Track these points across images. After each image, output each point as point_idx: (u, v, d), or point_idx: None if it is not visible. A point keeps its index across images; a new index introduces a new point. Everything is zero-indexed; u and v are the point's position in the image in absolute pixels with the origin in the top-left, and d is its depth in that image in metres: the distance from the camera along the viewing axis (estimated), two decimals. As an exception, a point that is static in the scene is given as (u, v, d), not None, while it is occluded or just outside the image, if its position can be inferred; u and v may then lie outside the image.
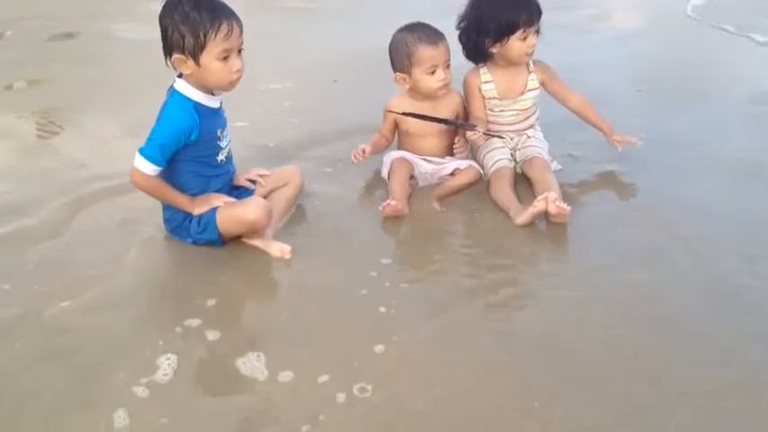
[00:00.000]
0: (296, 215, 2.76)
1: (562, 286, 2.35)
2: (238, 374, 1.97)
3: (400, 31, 2.89)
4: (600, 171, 3.05)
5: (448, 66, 2.86)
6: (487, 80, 2.99)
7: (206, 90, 2.44)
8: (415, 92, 2.92)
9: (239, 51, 2.39)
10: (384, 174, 2.98)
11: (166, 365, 1.99)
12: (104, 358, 2.04)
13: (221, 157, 2.57)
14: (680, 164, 3.10)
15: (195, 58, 2.33)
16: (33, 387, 1.94)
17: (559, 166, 3.02)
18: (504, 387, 1.93)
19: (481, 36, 2.91)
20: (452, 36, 2.93)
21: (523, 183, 2.93)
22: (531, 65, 3.01)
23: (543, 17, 2.89)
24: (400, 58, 2.86)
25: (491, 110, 3.03)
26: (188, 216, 2.52)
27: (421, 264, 2.52)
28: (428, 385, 1.93)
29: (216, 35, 2.30)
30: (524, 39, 2.86)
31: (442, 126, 2.94)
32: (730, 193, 2.88)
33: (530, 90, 3.01)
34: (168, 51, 2.37)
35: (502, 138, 3.01)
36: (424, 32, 2.83)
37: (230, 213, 2.49)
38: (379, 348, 2.05)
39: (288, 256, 2.49)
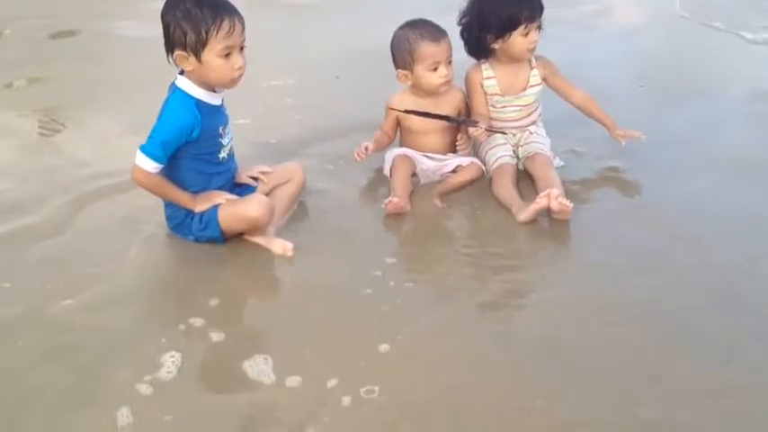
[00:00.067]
0: (298, 212, 2.76)
1: (564, 284, 2.34)
2: (243, 373, 1.97)
3: (402, 27, 2.89)
4: (602, 167, 3.04)
5: (450, 62, 2.85)
6: (489, 76, 2.98)
7: (207, 87, 2.44)
8: (417, 88, 2.92)
9: (241, 48, 2.39)
10: (386, 171, 2.98)
11: (170, 363, 1.99)
12: (107, 356, 2.05)
13: (223, 154, 2.57)
14: (682, 161, 3.09)
15: (197, 54, 2.33)
16: (36, 385, 1.94)
17: (562, 163, 3.02)
18: (507, 385, 1.94)
19: (483, 32, 2.90)
20: (453, 32, 2.92)
21: (526, 179, 2.92)
22: (534, 60, 3.00)
23: (545, 13, 2.88)
24: (402, 55, 2.85)
25: (493, 106, 3.02)
26: (190, 213, 2.52)
27: (423, 262, 2.51)
28: (433, 383, 1.93)
29: (218, 32, 2.30)
30: (526, 35, 2.85)
31: (444, 123, 2.93)
32: (732, 191, 2.87)
33: (532, 86, 3.00)
34: (170, 48, 2.37)
35: (504, 133, 3.01)
36: (426, 29, 2.82)
37: (232, 210, 2.49)
38: (384, 347, 2.05)
39: (290, 254, 2.49)
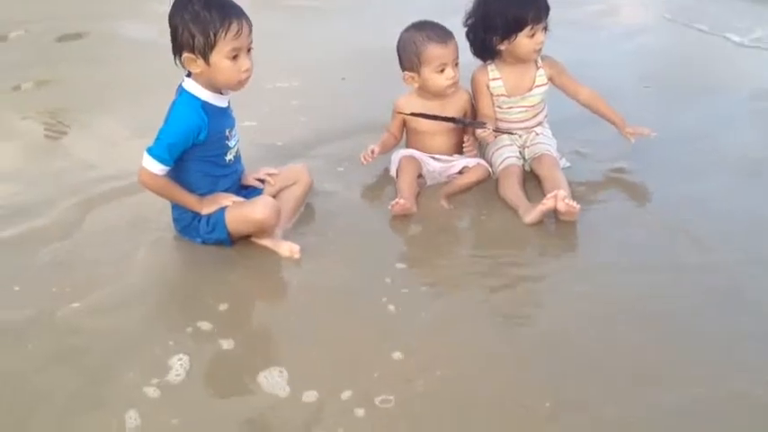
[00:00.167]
0: (305, 214, 2.76)
1: (571, 284, 2.35)
2: (251, 378, 1.97)
3: (408, 29, 2.88)
4: (608, 168, 3.04)
5: (457, 64, 2.85)
6: (495, 77, 2.98)
7: (214, 89, 2.44)
8: (424, 90, 2.92)
9: (248, 50, 2.39)
10: (392, 172, 2.98)
11: (178, 366, 2.00)
12: (115, 359, 2.05)
13: (230, 156, 2.57)
14: (687, 161, 3.09)
15: (205, 57, 2.33)
16: (45, 388, 1.95)
17: (568, 164, 3.01)
18: (511, 383, 1.95)
19: (489, 33, 2.89)
20: (459, 34, 2.92)
21: (532, 180, 2.92)
22: (540, 60, 2.99)
23: (550, 13, 2.87)
24: (409, 57, 2.85)
25: (499, 107, 3.02)
26: (197, 216, 2.52)
27: (431, 265, 2.51)
28: (447, 390, 1.94)
29: (226, 34, 2.30)
30: (532, 36, 2.85)
31: (451, 124, 2.93)
32: (737, 192, 2.87)
33: (538, 86, 3.00)
34: (178, 50, 2.37)
35: (512, 134, 3.00)
36: (433, 31, 2.82)
37: (239, 213, 2.49)
38: (398, 355, 2.04)
39: (297, 256, 2.49)
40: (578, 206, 2.60)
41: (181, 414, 1.86)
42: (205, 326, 2.17)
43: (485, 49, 2.96)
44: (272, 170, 2.78)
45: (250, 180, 2.73)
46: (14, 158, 3.31)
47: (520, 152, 3.00)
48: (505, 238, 2.62)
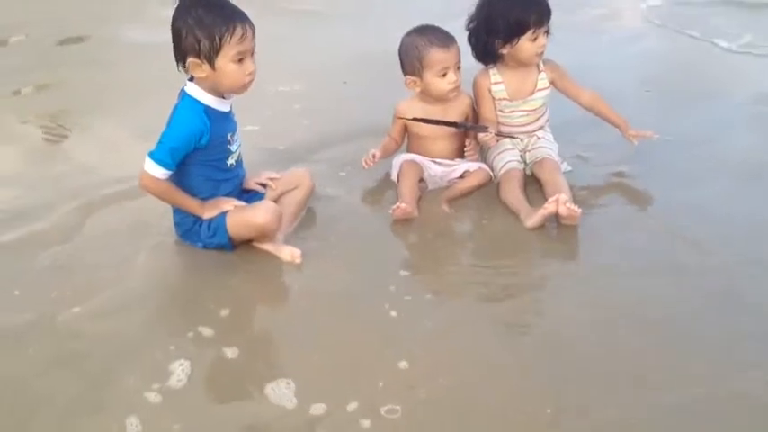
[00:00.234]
0: (306, 219, 2.76)
1: (573, 288, 2.35)
2: (252, 384, 1.96)
3: (410, 34, 2.88)
4: (610, 173, 3.03)
5: (459, 68, 2.85)
6: (497, 81, 2.98)
7: (217, 94, 2.44)
8: (426, 95, 2.91)
9: (252, 53, 2.39)
10: (393, 176, 2.98)
11: (180, 371, 1.99)
12: (116, 363, 2.05)
13: (231, 161, 2.57)
14: (688, 165, 3.08)
15: (210, 61, 2.32)
16: (46, 393, 1.95)
17: (569, 168, 3.01)
18: (513, 389, 1.94)
19: (491, 37, 2.89)
20: (460, 38, 2.92)
21: (533, 185, 2.91)
22: (541, 64, 2.99)
23: (552, 17, 2.87)
24: (411, 62, 2.84)
25: (501, 111, 3.02)
26: (198, 220, 2.52)
27: (433, 270, 2.51)
28: (453, 399, 1.93)
29: (231, 38, 2.30)
30: (534, 39, 2.85)
31: (453, 128, 2.93)
32: (737, 196, 2.87)
33: (540, 90, 2.99)
34: (181, 56, 2.37)
35: (514, 138, 3.00)
36: (435, 35, 2.81)
37: (240, 217, 2.49)
38: (404, 365, 2.02)
39: (298, 261, 2.48)
40: (580, 210, 2.59)
41: (182, 419, 1.85)
42: (206, 331, 2.16)
43: (487, 52, 2.95)
44: (274, 174, 2.78)
45: (252, 184, 2.73)
46: (15, 162, 3.31)
47: (521, 156, 3.00)
48: (507, 243, 2.62)
